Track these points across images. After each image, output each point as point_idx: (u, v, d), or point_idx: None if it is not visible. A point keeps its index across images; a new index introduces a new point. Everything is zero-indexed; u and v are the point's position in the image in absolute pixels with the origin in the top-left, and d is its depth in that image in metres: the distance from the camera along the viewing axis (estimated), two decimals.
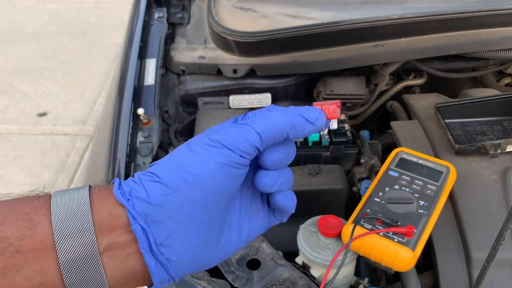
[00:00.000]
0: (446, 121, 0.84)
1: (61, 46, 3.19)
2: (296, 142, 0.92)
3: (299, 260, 0.72)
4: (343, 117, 0.94)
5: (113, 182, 0.38)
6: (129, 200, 0.35)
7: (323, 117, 0.42)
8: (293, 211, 0.44)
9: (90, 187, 0.37)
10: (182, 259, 0.37)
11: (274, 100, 1.05)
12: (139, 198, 0.35)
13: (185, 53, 1.07)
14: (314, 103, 0.43)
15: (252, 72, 1.01)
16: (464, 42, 0.98)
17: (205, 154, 0.37)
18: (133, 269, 0.36)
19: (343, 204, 0.88)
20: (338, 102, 0.43)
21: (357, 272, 0.76)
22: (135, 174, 0.38)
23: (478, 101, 0.87)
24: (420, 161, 0.77)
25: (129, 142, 0.83)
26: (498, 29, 1.00)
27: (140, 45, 1.01)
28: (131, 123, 0.85)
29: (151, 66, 0.99)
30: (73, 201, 0.35)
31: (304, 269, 0.71)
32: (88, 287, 0.34)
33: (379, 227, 0.66)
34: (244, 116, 0.42)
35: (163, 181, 0.36)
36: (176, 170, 0.36)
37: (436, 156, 0.82)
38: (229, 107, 1.04)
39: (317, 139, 0.93)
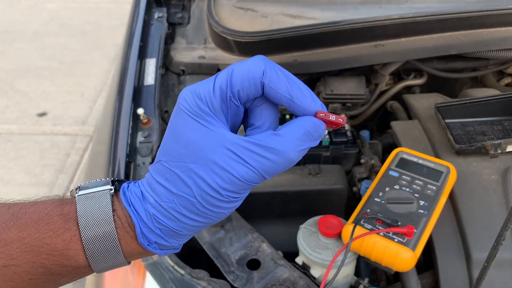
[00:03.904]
0: (446, 121, 0.84)
1: (61, 46, 3.20)
2: None
3: (299, 260, 0.72)
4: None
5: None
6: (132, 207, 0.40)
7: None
8: None
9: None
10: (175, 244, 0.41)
11: None
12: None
13: (185, 53, 1.07)
14: (319, 112, 0.40)
15: None
16: (464, 42, 0.98)
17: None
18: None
19: (343, 204, 0.88)
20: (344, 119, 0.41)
21: (357, 272, 0.76)
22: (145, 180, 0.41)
23: (478, 101, 0.87)
24: (420, 161, 0.77)
25: (129, 142, 0.83)
26: (498, 29, 1.00)
27: (140, 45, 1.01)
28: (131, 123, 0.85)
29: (151, 66, 0.99)
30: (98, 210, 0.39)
31: (304, 269, 0.71)
32: (108, 256, 0.39)
33: (379, 227, 0.66)
34: None
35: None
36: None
37: (436, 156, 0.82)
38: None
39: None
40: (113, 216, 0.39)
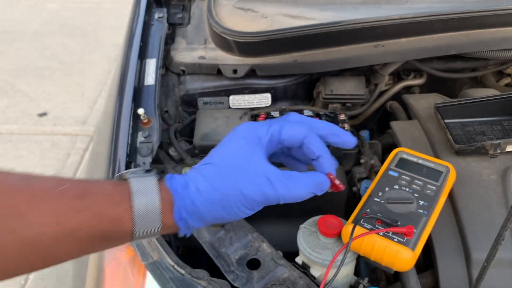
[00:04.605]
0: (446, 121, 0.85)
1: (61, 46, 3.20)
2: None
3: (299, 260, 0.72)
4: (343, 117, 0.94)
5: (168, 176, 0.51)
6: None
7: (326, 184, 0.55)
8: None
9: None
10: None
11: (274, 100, 1.05)
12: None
13: (185, 53, 1.07)
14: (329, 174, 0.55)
15: (252, 72, 1.01)
16: (464, 42, 0.98)
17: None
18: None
19: (343, 204, 0.88)
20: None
21: (357, 272, 0.76)
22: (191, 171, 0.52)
23: (477, 101, 0.88)
24: (420, 161, 0.77)
25: (129, 142, 0.83)
26: (498, 29, 1.00)
27: (140, 45, 1.01)
28: (131, 123, 0.85)
29: (151, 66, 0.99)
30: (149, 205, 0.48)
31: (304, 269, 0.71)
32: (149, 225, 0.48)
33: (379, 227, 0.66)
34: None
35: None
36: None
37: (436, 156, 0.82)
38: (229, 107, 1.04)
39: None
40: (159, 194, 0.48)
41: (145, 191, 0.48)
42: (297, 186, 0.52)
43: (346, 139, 0.57)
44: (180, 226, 0.50)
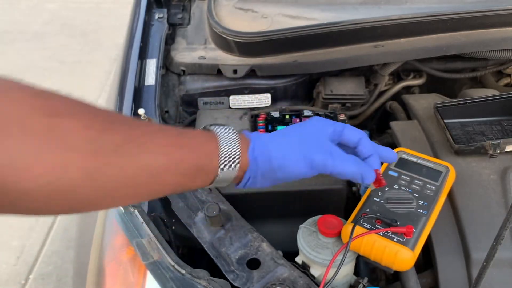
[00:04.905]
0: (446, 121, 0.85)
1: (62, 46, 3.20)
2: None
3: (299, 259, 0.72)
4: (343, 117, 0.94)
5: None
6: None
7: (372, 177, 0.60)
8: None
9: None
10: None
11: (274, 100, 1.05)
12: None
13: (186, 53, 1.07)
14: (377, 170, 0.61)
15: (252, 72, 1.01)
16: (464, 42, 0.99)
17: None
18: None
19: (343, 204, 0.88)
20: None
21: (357, 272, 0.77)
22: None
23: (477, 101, 0.88)
24: (419, 161, 0.77)
25: None
26: (497, 29, 1.00)
27: (140, 45, 1.01)
28: None
29: (151, 66, 0.99)
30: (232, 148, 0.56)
31: (304, 268, 0.71)
32: (230, 169, 0.56)
33: (378, 226, 0.67)
34: None
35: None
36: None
37: (436, 156, 0.82)
38: (229, 107, 1.04)
39: None
40: (239, 137, 0.56)
41: (227, 134, 0.56)
42: (349, 165, 0.58)
43: (389, 156, 0.65)
44: (251, 166, 0.57)
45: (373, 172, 0.60)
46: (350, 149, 0.62)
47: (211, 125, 0.59)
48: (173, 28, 1.15)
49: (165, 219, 0.80)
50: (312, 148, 0.58)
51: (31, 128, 0.41)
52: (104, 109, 0.49)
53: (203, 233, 0.75)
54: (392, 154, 0.64)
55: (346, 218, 0.71)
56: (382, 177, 0.61)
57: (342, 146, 0.62)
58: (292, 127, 0.62)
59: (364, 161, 0.61)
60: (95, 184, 0.45)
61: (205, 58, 1.04)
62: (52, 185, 0.42)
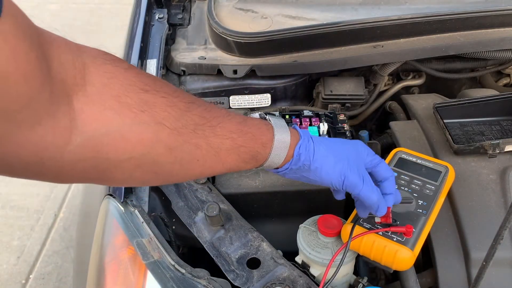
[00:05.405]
0: (445, 121, 0.85)
1: None
2: None
3: (298, 259, 0.73)
4: (342, 117, 0.94)
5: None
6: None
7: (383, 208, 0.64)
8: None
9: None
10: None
11: (274, 100, 1.06)
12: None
13: (186, 53, 1.07)
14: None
15: (252, 73, 1.01)
16: (463, 42, 0.99)
17: None
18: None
19: (343, 203, 0.88)
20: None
21: (356, 271, 0.77)
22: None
23: (476, 101, 0.88)
24: (419, 161, 0.77)
25: None
26: (497, 29, 1.00)
27: (140, 45, 1.02)
28: None
29: (152, 66, 0.99)
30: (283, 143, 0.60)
31: (304, 268, 0.71)
32: (279, 156, 0.60)
33: (378, 226, 0.67)
34: None
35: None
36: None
37: (435, 156, 0.82)
38: (230, 107, 1.04)
39: None
40: (290, 130, 0.61)
41: (280, 127, 0.61)
42: (374, 194, 0.62)
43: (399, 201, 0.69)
44: (293, 160, 0.61)
45: (386, 209, 0.64)
46: (373, 179, 0.66)
47: (266, 113, 0.65)
48: (173, 28, 1.15)
49: (166, 218, 0.80)
50: (350, 167, 0.61)
51: (126, 102, 0.44)
52: (176, 87, 0.53)
53: (203, 233, 0.75)
54: (399, 200, 0.69)
55: (346, 218, 0.71)
56: (390, 216, 0.65)
57: (370, 174, 0.66)
58: (337, 140, 0.66)
59: (384, 197, 0.65)
60: (174, 159, 0.50)
61: (205, 58, 1.04)
62: (142, 157, 0.46)
